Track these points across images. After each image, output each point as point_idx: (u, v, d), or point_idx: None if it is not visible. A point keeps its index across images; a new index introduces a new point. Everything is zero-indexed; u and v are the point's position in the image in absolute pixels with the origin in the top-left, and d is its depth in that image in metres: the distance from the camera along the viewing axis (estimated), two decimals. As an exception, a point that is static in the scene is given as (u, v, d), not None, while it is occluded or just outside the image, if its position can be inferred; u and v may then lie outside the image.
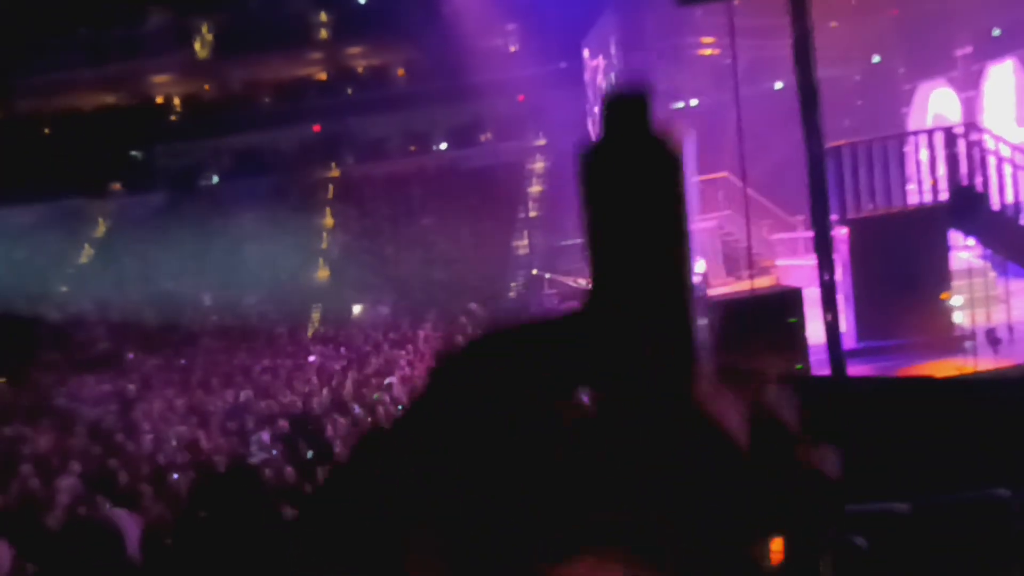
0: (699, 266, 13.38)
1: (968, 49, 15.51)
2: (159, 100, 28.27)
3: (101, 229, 25.92)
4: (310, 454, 9.49)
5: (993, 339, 9.01)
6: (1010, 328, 9.17)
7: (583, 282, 13.81)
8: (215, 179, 27.33)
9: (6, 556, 3.92)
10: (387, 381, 12.45)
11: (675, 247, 1.19)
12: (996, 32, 15.26)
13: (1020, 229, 10.23)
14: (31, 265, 22.27)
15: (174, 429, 11.42)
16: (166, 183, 26.71)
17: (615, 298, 1.09)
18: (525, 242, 23.58)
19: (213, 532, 4.47)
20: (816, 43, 8.64)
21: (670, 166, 1.23)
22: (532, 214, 24.68)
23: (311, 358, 15.71)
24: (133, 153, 27.31)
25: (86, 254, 25.07)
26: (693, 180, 1.19)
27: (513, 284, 22.01)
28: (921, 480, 5.10)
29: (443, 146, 27.19)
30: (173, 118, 27.90)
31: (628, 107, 1.15)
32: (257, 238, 22.93)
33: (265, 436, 10.31)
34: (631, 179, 1.18)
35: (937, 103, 16.32)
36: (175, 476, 8.95)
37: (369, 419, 10.30)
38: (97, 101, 27.70)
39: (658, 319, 1.05)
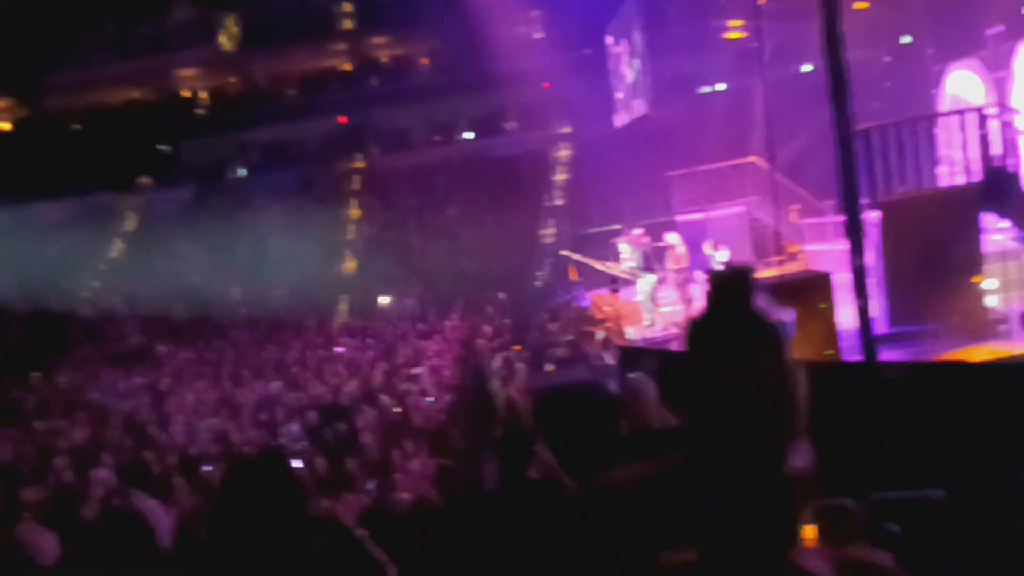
0: (722, 255, 13.26)
1: (999, 28, 15.19)
2: (186, 94, 28.49)
3: (131, 224, 26.22)
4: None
5: (1028, 322, 8.87)
6: (1046, 311, 9.02)
7: (610, 265, 13.76)
8: (242, 172, 27.52)
9: (52, 547, 3.98)
10: (415, 371, 12.49)
11: (774, 418, 1.22)
12: (1027, 9, 14.92)
13: (1055, 210, 10.04)
14: (63, 261, 22.58)
15: (205, 421, 11.54)
16: (194, 177, 26.95)
17: (718, 463, 1.10)
18: (551, 231, 23.53)
19: (246, 521, 4.50)
20: (844, 25, 8.50)
21: (771, 341, 1.27)
22: (557, 202, 24.61)
23: (339, 349, 15.80)
24: (161, 147, 27.56)
25: (116, 249, 25.37)
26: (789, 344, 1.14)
27: (539, 273, 21.98)
28: (957, 467, 5.03)
29: (468, 136, 27.17)
30: (200, 112, 28.11)
31: (732, 284, 1.17)
32: (284, 231, 23.09)
33: (295, 427, 10.39)
34: (736, 350, 1.21)
35: (956, 84, 16.01)
36: (207, 468, 9.05)
37: (398, 409, 10.34)
38: (125, 96, 27.99)
39: (757, 488, 1.05)
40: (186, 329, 19.42)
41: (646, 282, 13.01)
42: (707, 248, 13.68)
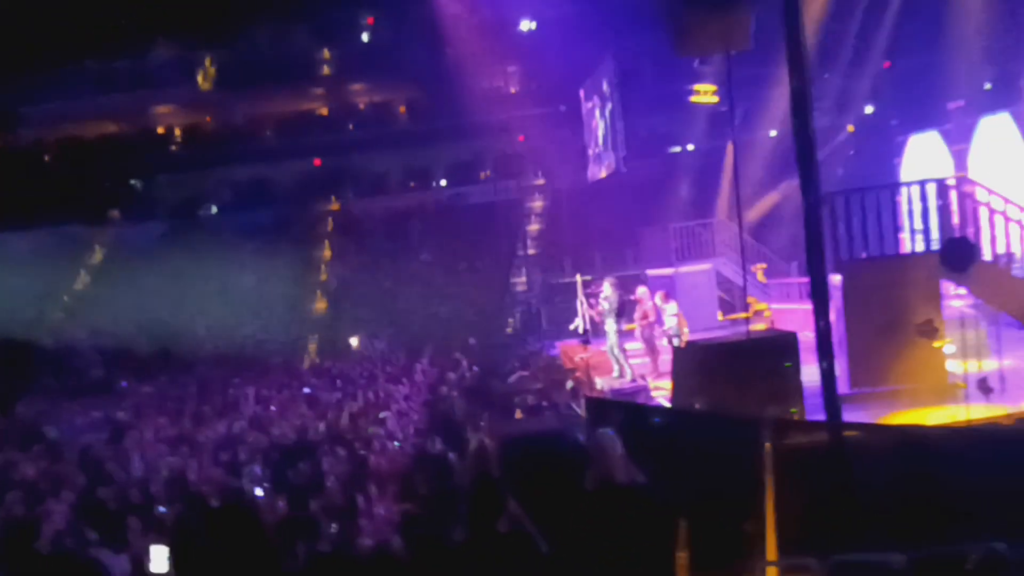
0: (671, 308, 13.50)
1: (961, 102, 15.78)
2: (161, 131, 28.47)
3: (99, 257, 25.95)
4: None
5: (985, 388, 9.08)
6: (1002, 377, 9.24)
7: (586, 302, 13.89)
8: (215, 210, 27.45)
9: None
10: (383, 414, 12.42)
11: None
12: (988, 86, 15.55)
13: (1011, 280, 10.35)
14: (28, 291, 22.26)
15: (164, 459, 11.35)
16: (166, 213, 26.83)
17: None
18: (522, 279, 23.70)
19: (209, 566, 4.47)
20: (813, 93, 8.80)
21: None
22: (530, 252, 24.83)
23: (306, 390, 15.68)
24: (133, 182, 27.44)
25: (83, 282, 25.07)
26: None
27: (510, 320, 22.08)
28: (916, 530, 5.12)
29: (443, 183, 27.41)
30: (175, 148, 28.08)
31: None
32: (255, 269, 22.99)
33: (258, 468, 10.26)
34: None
35: (918, 154, 16.59)
36: (162, 509, 8.88)
37: (364, 453, 10.27)
38: (99, 130, 27.89)
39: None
40: (149, 364, 19.18)
41: (611, 327, 13.21)
42: (658, 300, 13.90)
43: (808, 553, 4.61)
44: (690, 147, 24.79)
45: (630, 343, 13.81)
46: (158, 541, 7.10)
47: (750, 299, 14.72)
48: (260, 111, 27.59)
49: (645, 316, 13.67)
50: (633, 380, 12.78)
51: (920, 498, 5.83)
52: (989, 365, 9.54)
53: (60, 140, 27.46)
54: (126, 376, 18.35)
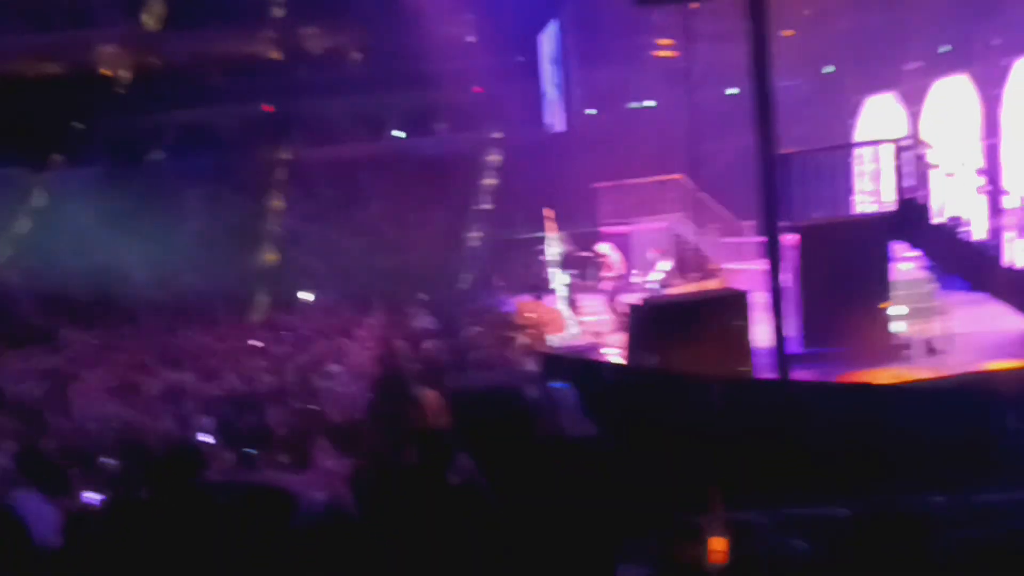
0: (663, 265, 13.52)
1: (917, 64, 15.88)
2: (104, 71, 27.42)
3: (38, 201, 25.10)
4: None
5: (931, 349, 9.26)
6: (948, 339, 9.41)
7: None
8: (159, 154, 26.65)
9: None
10: (333, 368, 12.27)
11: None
12: (944, 49, 15.66)
13: (960, 243, 10.53)
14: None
15: (106, 409, 11.09)
16: (108, 156, 25.96)
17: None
18: (476, 234, 23.52)
19: (151, 516, 4.34)
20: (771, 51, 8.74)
21: None
22: (484, 206, 24.61)
23: (253, 342, 15.42)
24: (73, 124, 26.45)
25: (20, 226, 24.26)
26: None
27: (462, 275, 21.94)
28: (861, 485, 5.20)
29: (396, 133, 26.94)
30: (118, 90, 27.10)
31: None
32: (199, 216, 22.42)
33: (204, 420, 10.07)
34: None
35: (873, 115, 16.70)
36: (105, 459, 8.68)
37: (311, 406, 10.13)
38: (38, 70, 26.77)
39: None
40: (91, 312, 18.69)
41: (560, 281, 13.21)
42: (651, 255, 13.96)
43: (753, 508, 4.64)
44: (649, 103, 24.68)
45: (590, 298, 13.85)
46: (100, 492, 6.92)
47: (704, 259, 14.79)
48: (207, 52, 26.68)
49: (610, 270, 13.71)
50: (586, 337, 12.82)
51: (864, 453, 5.94)
52: (936, 327, 9.72)
53: (-2, 79, 26.32)
54: (66, 324, 17.85)
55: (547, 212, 14.04)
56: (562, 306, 13.33)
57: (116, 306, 18.95)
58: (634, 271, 14.23)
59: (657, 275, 13.53)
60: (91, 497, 6.66)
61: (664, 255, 14.00)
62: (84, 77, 26.75)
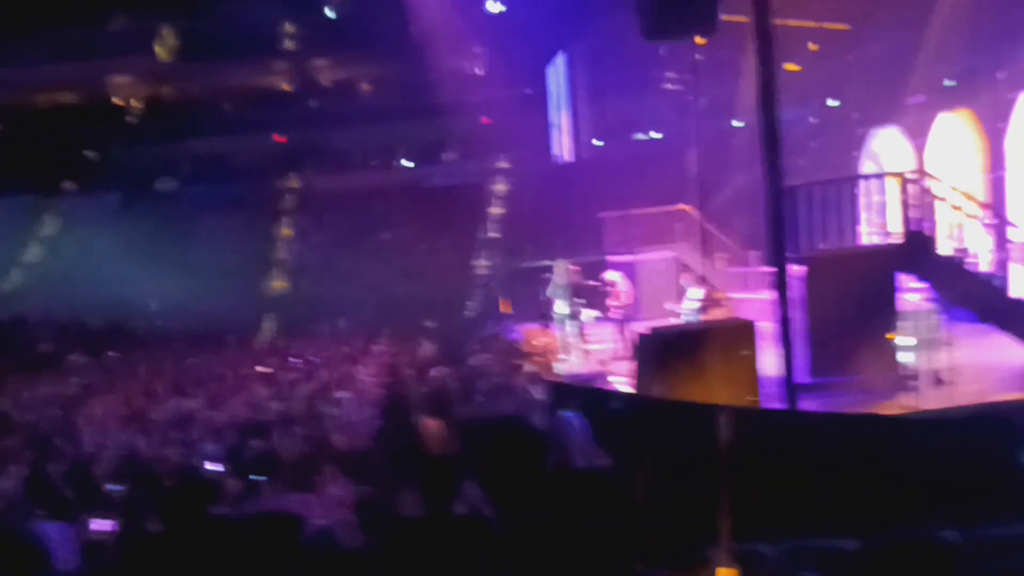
0: (696, 293, 13.52)
1: (921, 98, 15.98)
2: (119, 101, 27.79)
3: (51, 228, 25.34)
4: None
5: (938, 380, 9.25)
6: (954, 370, 9.41)
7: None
8: (173, 183, 26.92)
9: None
10: (340, 394, 12.30)
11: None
12: (948, 82, 15.76)
13: (966, 274, 10.54)
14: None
15: (115, 436, 11.13)
16: (122, 185, 26.24)
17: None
18: (484, 262, 23.63)
19: (161, 545, 4.37)
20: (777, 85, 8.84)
21: None
22: (491, 235, 24.75)
23: (262, 368, 15.48)
24: (88, 153, 26.77)
25: (34, 253, 24.48)
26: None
27: (469, 303, 22.01)
28: (871, 517, 5.18)
29: (406, 163, 27.17)
30: (132, 120, 27.45)
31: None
32: (211, 245, 22.59)
33: (211, 447, 10.10)
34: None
35: (879, 148, 16.76)
36: (112, 487, 8.70)
37: (319, 433, 10.15)
38: (55, 99, 27.16)
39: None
40: (102, 339, 18.80)
41: (560, 308, 13.25)
42: (684, 282, 14.01)
43: (762, 539, 4.64)
44: (655, 135, 24.87)
45: (598, 327, 13.88)
46: (108, 519, 6.95)
47: (710, 289, 14.80)
48: (221, 84, 27.06)
49: (618, 299, 13.78)
50: (591, 367, 12.83)
51: (875, 484, 5.93)
52: (943, 358, 9.71)
53: (14, 108, 26.67)
54: (77, 351, 17.94)
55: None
56: (563, 335, 13.40)
57: (127, 333, 19.07)
58: (668, 302, 14.30)
59: (691, 303, 13.51)
60: (100, 524, 6.71)
61: (696, 282, 14.02)
62: (100, 107, 27.12)
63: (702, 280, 14.13)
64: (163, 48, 26.89)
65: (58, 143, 25.21)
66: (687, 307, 13.44)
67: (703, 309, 13.30)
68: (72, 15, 24.89)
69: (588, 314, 13.38)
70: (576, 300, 13.41)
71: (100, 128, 26.37)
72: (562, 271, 13.52)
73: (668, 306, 13.89)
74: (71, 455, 10.45)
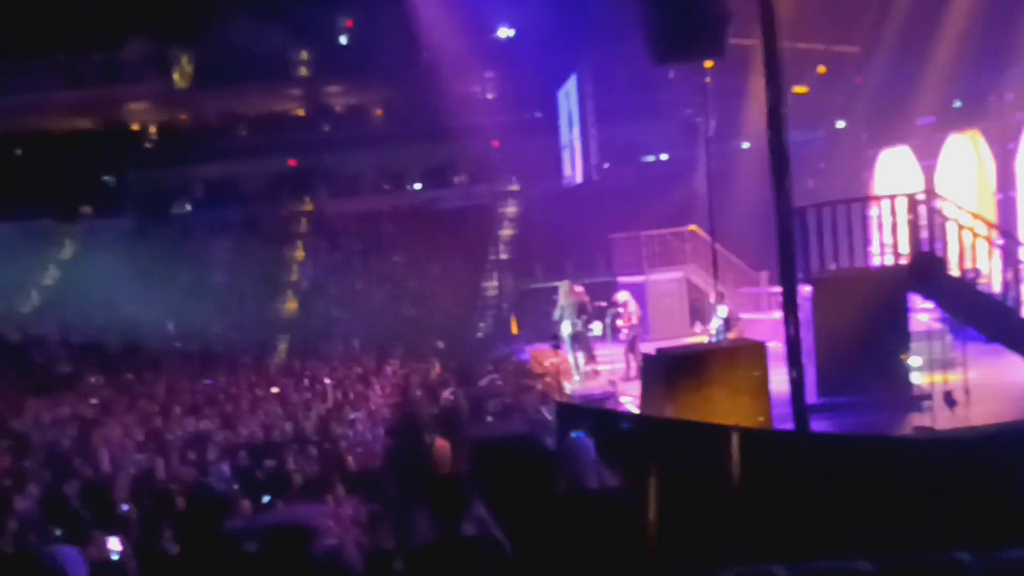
0: (721, 312, 13.54)
1: (930, 120, 16.02)
2: (134, 127, 28.16)
3: (68, 252, 25.61)
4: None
5: (950, 400, 9.23)
6: (966, 390, 9.38)
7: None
8: (187, 207, 27.20)
9: None
10: (352, 415, 12.38)
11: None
12: (957, 104, 15.80)
13: (977, 294, 10.52)
14: (-5, 284, 21.94)
15: (131, 457, 11.22)
16: (137, 209, 26.53)
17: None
18: (494, 283, 23.71)
19: (176, 564, 4.44)
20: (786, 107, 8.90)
21: None
22: (502, 256, 24.85)
23: (275, 389, 15.57)
24: (104, 178, 27.10)
25: (52, 276, 24.73)
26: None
27: (480, 324, 22.07)
28: (883, 539, 5.18)
29: (417, 186, 27.36)
30: (147, 145, 27.79)
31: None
32: (225, 267, 22.77)
33: (226, 468, 10.18)
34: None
35: (888, 169, 16.78)
36: (126, 507, 8.78)
37: (332, 453, 10.22)
38: (71, 125, 27.53)
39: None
40: (118, 360, 18.94)
41: (565, 328, 13.31)
42: (712, 300, 14.07)
43: (775, 560, 4.65)
44: (664, 157, 24.98)
45: (610, 348, 13.94)
46: (123, 538, 7.02)
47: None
48: (234, 109, 27.39)
49: (628, 320, 13.83)
50: (601, 386, 12.86)
51: (887, 506, 5.91)
52: (954, 378, 9.69)
53: (31, 133, 27.06)
54: (94, 372, 18.09)
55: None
56: (571, 355, 13.47)
57: (143, 354, 19.21)
58: (697, 324, 14.37)
59: (718, 321, 13.53)
60: (114, 543, 6.78)
61: (722, 300, 14.05)
62: (115, 132, 27.48)
63: (721, 297, 14.16)
64: (178, 74, 27.26)
65: (75, 168, 25.52)
66: (715, 324, 13.48)
67: (729, 326, 13.34)
68: (88, 42, 25.27)
69: (593, 332, 13.44)
70: (580, 320, 13.49)
71: (116, 153, 26.70)
72: (566, 291, 13.59)
73: (697, 328, 13.96)
74: (88, 475, 10.55)
